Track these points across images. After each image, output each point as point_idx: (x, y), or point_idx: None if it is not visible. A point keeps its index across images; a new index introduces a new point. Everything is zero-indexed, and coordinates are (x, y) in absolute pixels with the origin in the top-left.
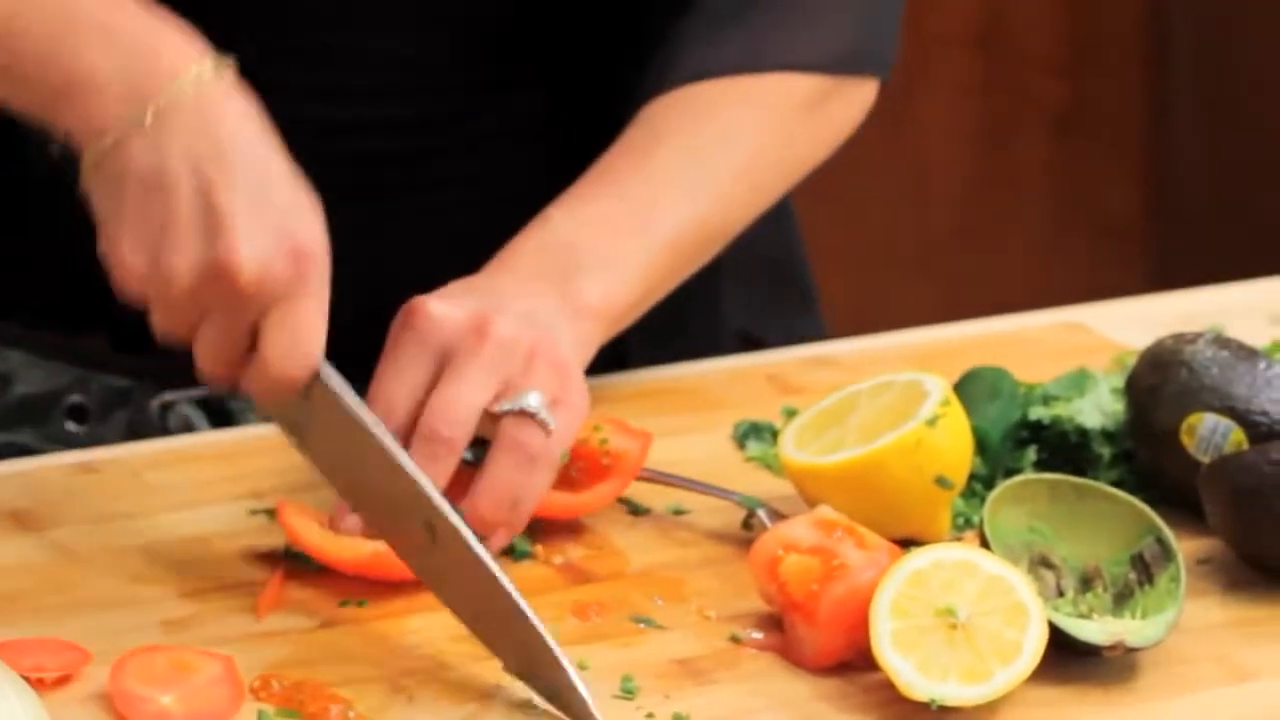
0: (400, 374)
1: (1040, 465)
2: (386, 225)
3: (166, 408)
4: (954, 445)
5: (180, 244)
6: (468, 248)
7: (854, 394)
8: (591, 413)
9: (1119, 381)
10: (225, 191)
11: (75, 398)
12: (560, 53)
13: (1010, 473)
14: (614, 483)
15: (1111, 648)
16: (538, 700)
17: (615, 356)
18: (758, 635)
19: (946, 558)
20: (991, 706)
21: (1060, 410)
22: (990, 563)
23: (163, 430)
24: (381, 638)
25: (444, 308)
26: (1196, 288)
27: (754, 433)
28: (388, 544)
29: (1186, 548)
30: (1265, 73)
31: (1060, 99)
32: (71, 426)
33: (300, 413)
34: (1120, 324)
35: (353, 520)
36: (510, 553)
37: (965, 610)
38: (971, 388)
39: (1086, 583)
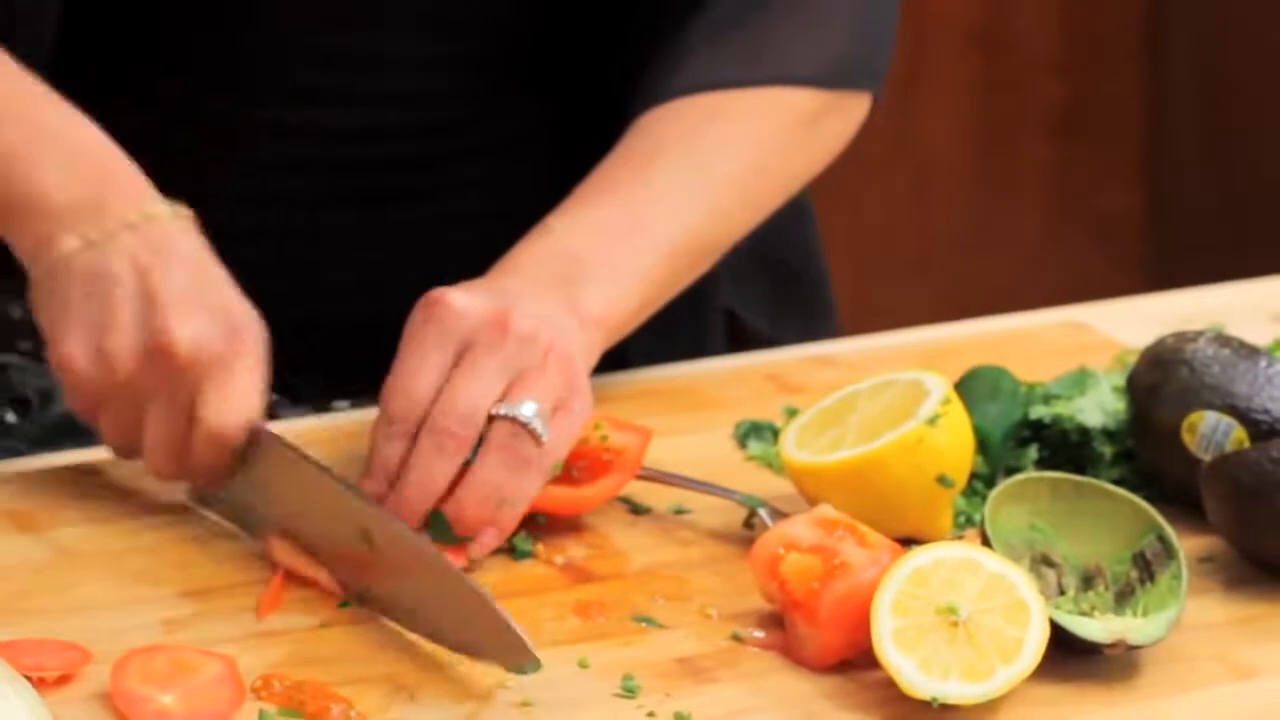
0: (423, 364)
1: (1041, 464)
2: (393, 231)
3: None
4: (955, 444)
5: (120, 330)
6: (474, 254)
7: (854, 393)
8: (593, 412)
9: (1120, 380)
10: (162, 282)
11: None
12: (568, 61)
13: (1011, 471)
14: (616, 477)
15: (1113, 646)
16: (535, 695)
17: (616, 351)
18: (759, 634)
19: (948, 556)
20: (993, 705)
21: (1061, 409)
22: (991, 561)
23: None
24: (382, 637)
25: (466, 299)
26: (1194, 287)
27: (755, 432)
28: (334, 580)
29: (1187, 546)
30: (1264, 73)
31: (1060, 99)
32: None
33: (249, 484)
34: (1121, 323)
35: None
36: (511, 552)
37: (966, 608)
38: (972, 386)
39: (1088, 581)
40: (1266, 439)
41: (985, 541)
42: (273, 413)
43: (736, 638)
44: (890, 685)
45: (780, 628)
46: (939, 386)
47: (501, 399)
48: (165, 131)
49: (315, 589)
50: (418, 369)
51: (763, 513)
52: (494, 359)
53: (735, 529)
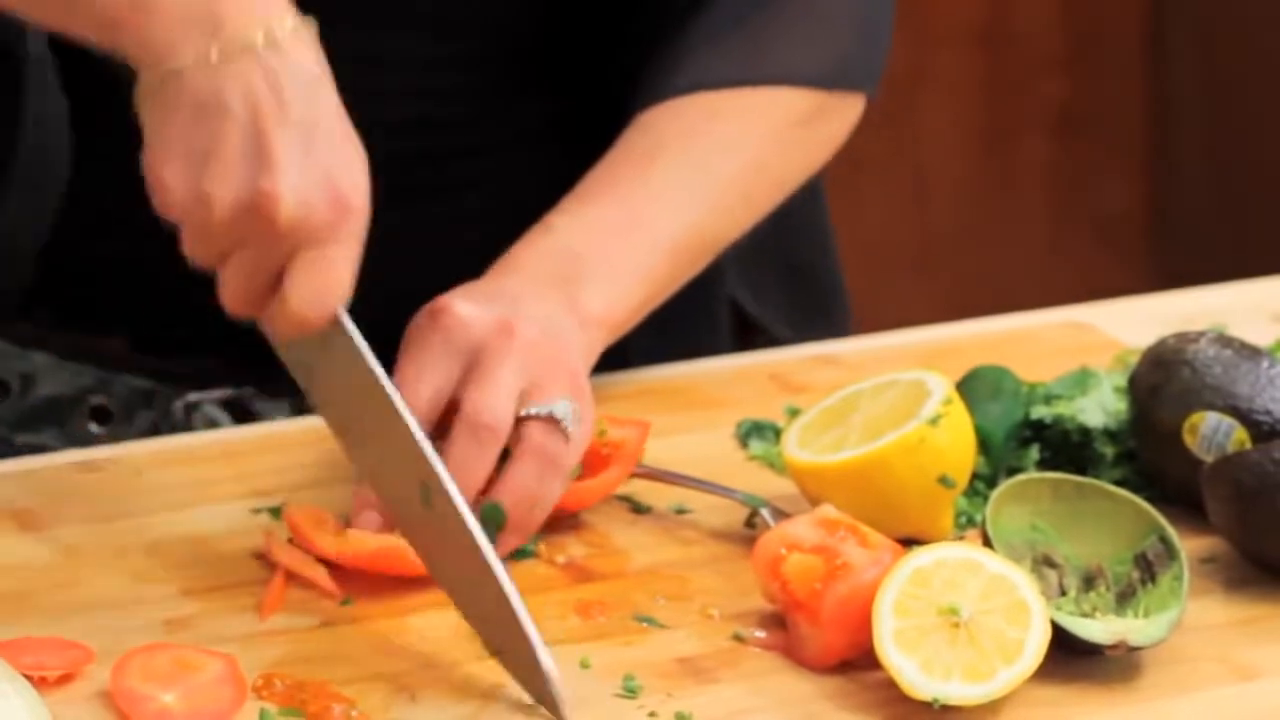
0: (426, 372)
1: (1043, 464)
2: (393, 229)
3: (191, 408)
4: (956, 444)
5: (225, 172)
6: (475, 252)
7: (856, 393)
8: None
9: (1121, 380)
10: (276, 129)
11: (98, 399)
12: (570, 60)
13: (1013, 471)
14: (616, 470)
15: (1114, 647)
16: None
17: (615, 347)
18: (760, 634)
19: (949, 557)
20: (994, 705)
21: (1063, 409)
22: (993, 562)
23: (186, 431)
24: (384, 637)
25: (470, 308)
26: (1196, 287)
27: (756, 431)
28: (383, 503)
29: (1189, 547)
30: (1265, 72)
31: (1061, 98)
32: (94, 428)
33: (314, 357)
34: (1123, 323)
35: (369, 516)
36: (513, 551)
37: (968, 609)
38: (974, 386)
39: (1089, 582)
40: (1268, 440)
41: (987, 542)
42: (253, 410)
43: (738, 638)
44: (891, 686)
45: (782, 628)
46: (941, 386)
47: (526, 400)
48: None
49: (317, 588)
50: (419, 375)
51: (765, 512)
52: (506, 364)
53: (737, 529)
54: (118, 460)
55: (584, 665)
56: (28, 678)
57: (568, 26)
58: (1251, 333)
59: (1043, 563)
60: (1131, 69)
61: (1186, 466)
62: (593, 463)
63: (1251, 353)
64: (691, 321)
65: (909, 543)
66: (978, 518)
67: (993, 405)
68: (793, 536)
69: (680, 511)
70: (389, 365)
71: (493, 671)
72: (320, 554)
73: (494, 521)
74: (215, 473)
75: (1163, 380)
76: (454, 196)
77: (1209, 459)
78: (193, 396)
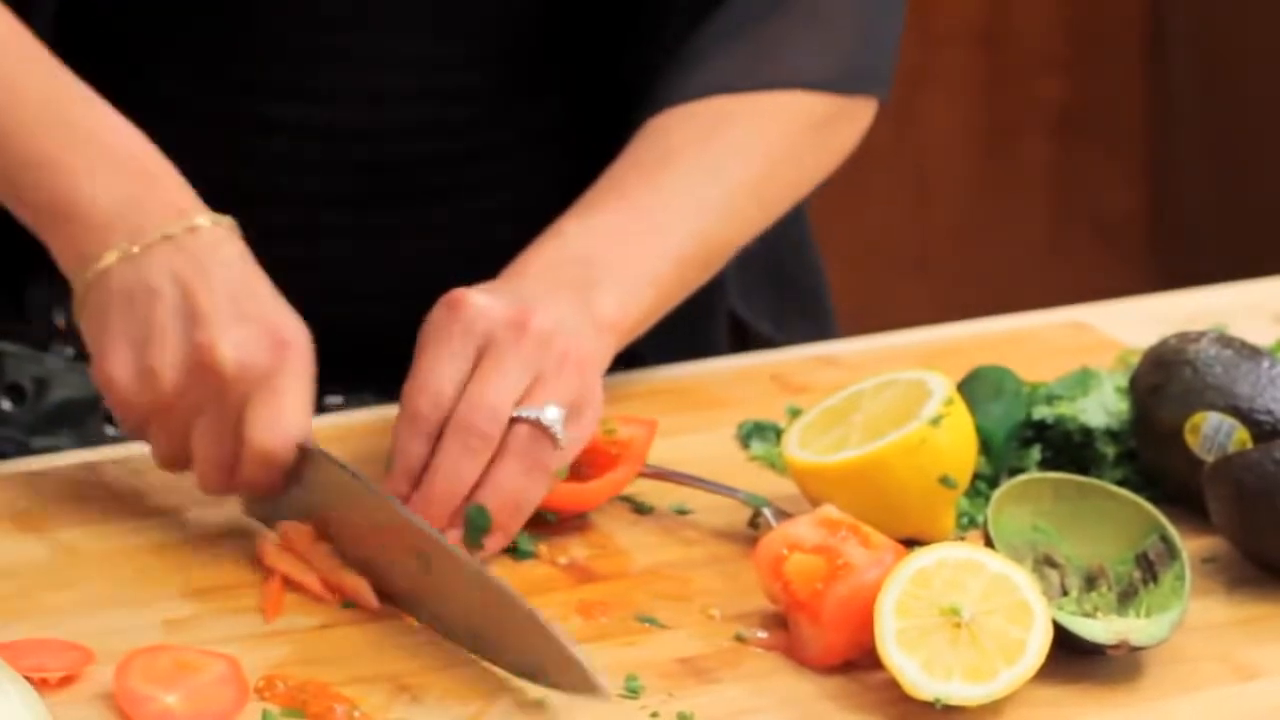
0: (447, 362)
1: (1044, 464)
2: (402, 230)
3: None
4: (958, 444)
5: (163, 344)
6: (483, 253)
7: (857, 393)
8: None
9: (1123, 381)
10: (204, 294)
11: None
12: (578, 61)
13: (1014, 472)
14: (623, 470)
15: (1116, 647)
16: (540, 694)
17: (628, 353)
18: (762, 634)
19: (951, 557)
20: (996, 706)
21: (1064, 409)
22: (994, 562)
23: None
24: (385, 637)
25: (486, 299)
26: (1196, 287)
27: (758, 432)
28: (376, 584)
29: (1190, 547)
30: (1265, 72)
31: (1062, 99)
32: (110, 430)
33: (285, 499)
34: (1123, 323)
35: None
36: (514, 552)
37: (970, 609)
38: (975, 387)
39: (1091, 582)
40: (1269, 440)
41: (988, 542)
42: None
43: (739, 638)
44: (893, 686)
45: (783, 628)
46: (942, 387)
47: (521, 401)
48: (169, 132)
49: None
50: (441, 368)
51: (767, 512)
52: (515, 358)
53: (738, 529)
54: (118, 462)
55: None
56: (28, 679)
57: (570, 28)
58: (1252, 333)
59: (1044, 563)
60: (1131, 69)
61: (1188, 466)
62: (601, 462)
63: (1252, 353)
64: (692, 325)
65: (910, 543)
66: (979, 518)
67: (994, 405)
68: (794, 537)
69: (681, 512)
70: (396, 368)
71: (494, 672)
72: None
73: (478, 524)
74: None
75: (1164, 380)
76: (458, 198)
77: (1210, 459)
78: None
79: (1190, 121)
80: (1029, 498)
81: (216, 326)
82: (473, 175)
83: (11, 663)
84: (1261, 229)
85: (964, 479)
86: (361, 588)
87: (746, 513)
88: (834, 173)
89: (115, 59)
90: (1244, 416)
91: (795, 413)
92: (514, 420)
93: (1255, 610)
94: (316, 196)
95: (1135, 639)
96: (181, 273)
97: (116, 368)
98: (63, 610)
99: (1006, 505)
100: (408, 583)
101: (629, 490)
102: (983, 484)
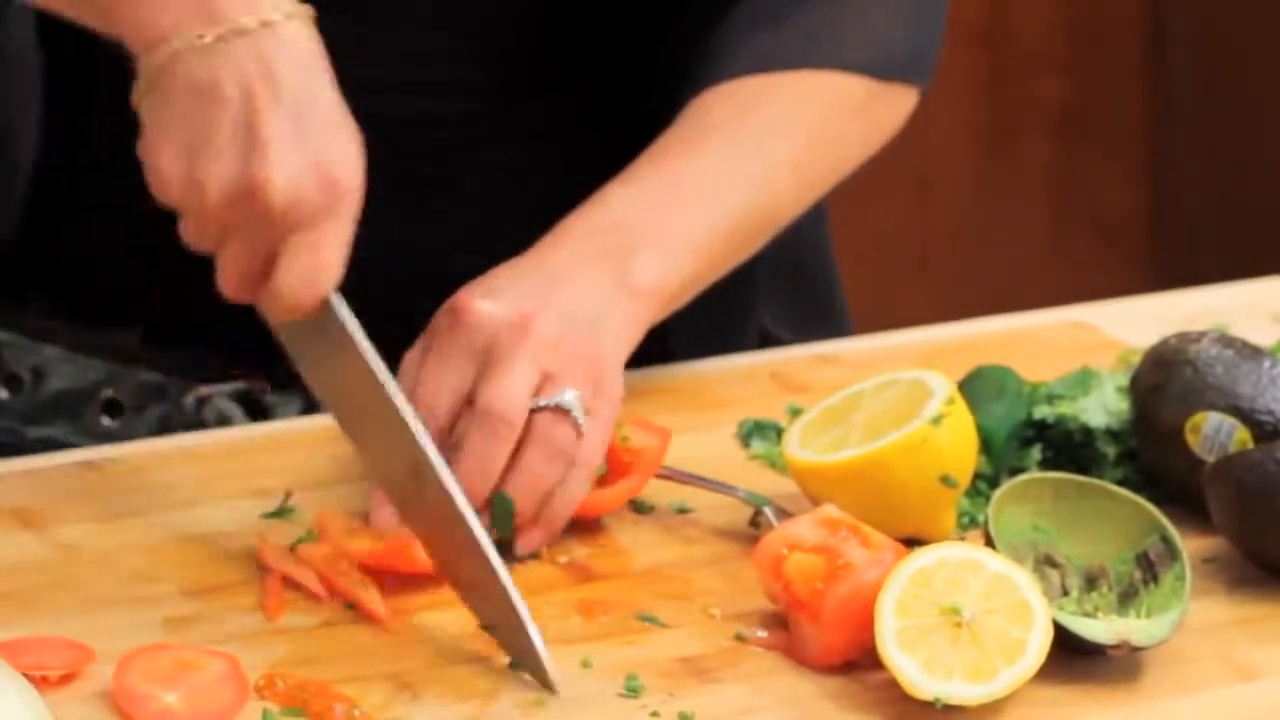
0: (442, 373)
1: (1045, 464)
2: (410, 220)
3: (202, 401)
4: (958, 444)
5: (218, 157)
6: (488, 246)
7: (858, 392)
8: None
9: (1123, 380)
10: (268, 113)
11: (109, 393)
12: (575, 56)
13: (1015, 471)
14: (635, 479)
15: (1116, 647)
16: (540, 694)
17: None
18: (762, 634)
19: (951, 556)
20: (996, 705)
21: (1065, 409)
22: (995, 561)
23: (198, 424)
24: (385, 636)
25: (489, 306)
26: (1196, 287)
27: (758, 431)
28: (383, 486)
29: (1191, 547)
30: (1265, 72)
31: (1062, 99)
32: (106, 421)
33: (307, 340)
34: (1124, 323)
35: (387, 513)
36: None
37: (970, 609)
38: (976, 386)
39: (1091, 582)
40: (1270, 440)
41: (989, 542)
42: (265, 404)
43: (740, 637)
44: (893, 686)
45: (784, 628)
46: (943, 386)
47: (537, 393)
48: None
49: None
50: (436, 377)
51: (768, 511)
52: (518, 356)
53: (739, 528)
54: (119, 459)
55: (586, 665)
56: (28, 678)
57: (568, 23)
58: (1252, 333)
59: (1045, 562)
60: (1131, 69)
61: (1188, 466)
62: (614, 468)
63: (1253, 353)
64: (725, 338)
65: (911, 543)
66: (980, 517)
67: (995, 405)
68: (794, 536)
69: (682, 511)
70: (394, 359)
71: (495, 670)
72: (358, 560)
73: (504, 512)
74: (217, 471)
75: (1164, 380)
76: (457, 192)
77: (1211, 459)
78: (204, 390)
79: (1190, 121)
80: (1029, 497)
81: (271, 156)
82: (468, 169)
83: (11, 661)
84: (1261, 229)
85: (965, 479)
86: (373, 600)
87: (747, 512)
88: None
89: (109, 46)
90: (1245, 416)
91: (796, 412)
92: (533, 412)
93: (1256, 610)
94: None
95: (1136, 639)
96: (248, 79)
97: (166, 163)
98: (63, 609)
99: (1007, 505)
100: (401, 496)
101: None
102: (983, 484)
